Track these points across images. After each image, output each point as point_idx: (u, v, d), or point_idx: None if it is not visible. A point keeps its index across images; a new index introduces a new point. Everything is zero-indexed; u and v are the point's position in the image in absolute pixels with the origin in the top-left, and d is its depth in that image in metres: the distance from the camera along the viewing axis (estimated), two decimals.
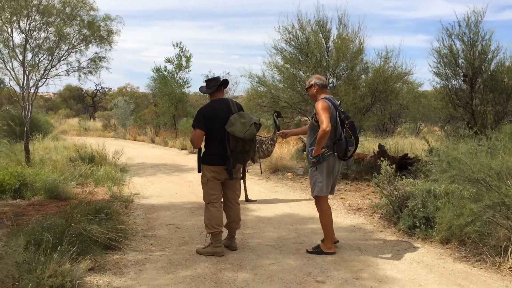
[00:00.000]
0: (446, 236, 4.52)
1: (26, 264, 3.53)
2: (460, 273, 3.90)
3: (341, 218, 5.94)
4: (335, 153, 4.38)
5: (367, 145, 11.83)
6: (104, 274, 3.88)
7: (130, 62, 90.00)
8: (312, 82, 4.59)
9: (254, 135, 4.37)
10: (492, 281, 3.72)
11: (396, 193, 5.34)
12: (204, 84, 4.67)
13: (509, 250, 3.93)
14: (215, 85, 4.56)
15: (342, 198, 7.11)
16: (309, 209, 6.43)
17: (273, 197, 7.19)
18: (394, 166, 5.54)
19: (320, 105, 4.33)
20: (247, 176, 7.13)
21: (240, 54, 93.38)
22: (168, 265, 4.14)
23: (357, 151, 11.02)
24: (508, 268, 3.86)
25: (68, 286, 3.42)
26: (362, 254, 4.48)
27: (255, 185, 8.32)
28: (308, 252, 4.51)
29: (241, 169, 5.15)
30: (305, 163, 9.97)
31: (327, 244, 4.51)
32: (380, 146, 9.20)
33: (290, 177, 9.12)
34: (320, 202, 4.54)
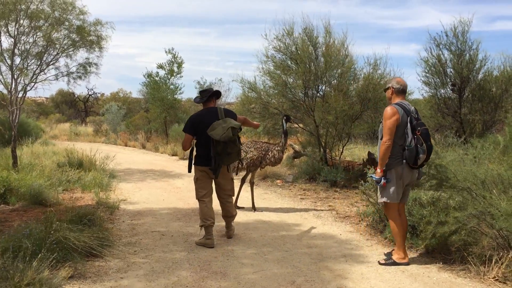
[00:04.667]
0: (431, 244, 4.50)
1: (4, 271, 3.45)
2: (444, 283, 3.88)
3: (328, 226, 5.91)
4: (404, 160, 4.24)
5: (357, 152, 11.84)
6: (84, 282, 3.81)
7: (125, 68, 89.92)
8: (389, 85, 4.47)
9: (229, 137, 4.80)
10: None
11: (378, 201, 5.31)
12: (199, 95, 5.30)
13: (494, 260, 3.92)
14: (206, 95, 5.16)
15: (330, 205, 7.09)
16: (297, 217, 6.40)
17: (261, 204, 7.14)
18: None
19: (387, 112, 4.23)
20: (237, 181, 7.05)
21: (235, 61, 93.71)
22: (150, 273, 4.08)
23: (347, 158, 11.08)
24: (493, 278, 3.85)
25: None
26: (348, 262, 4.44)
27: (244, 192, 8.24)
28: (380, 264, 4.35)
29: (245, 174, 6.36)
30: (294, 170, 9.96)
31: (400, 254, 4.34)
32: (369, 153, 9.22)
33: (279, 184, 9.09)
34: (390, 209, 4.37)
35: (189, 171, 5.07)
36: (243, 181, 7.01)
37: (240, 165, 6.77)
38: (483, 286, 3.78)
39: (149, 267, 4.22)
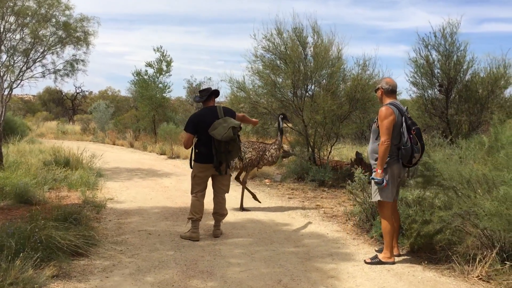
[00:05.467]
0: (416, 243, 4.54)
1: None
2: (429, 281, 3.92)
3: (316, 225, 5.92)
4: (400, 160, 4.28)
5: (345, 152, 11.90)
6: (69, 281, 3.77)
7: (114, 66, 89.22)
8: (379, 86, 4.49)
9: (231, 137, 4.98)
10: None
11: (369, 200, 5.35)
12: (198, 94, 5.42)
13: (478, 259, 3.96)
14: (206, 95, 5.28)
15: (317, 205, 7.11)
16: (284, 216, 6.41)
17: (249, 203, 7.13)
18: (368, 173, 5.55)
19: (383, 112, 4.23)
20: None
21: (225, 60, 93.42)
22: (136, 272, 4.05)
23: (335, 158, 11.13)
24: (476, 277, 3.89)
25: None
26: (334, 261, 4.46)
27: (232, 191, 8.23)
28: (366, 263, 4.36)
29: (243, 174, 6.71)
30: (283, 170, 9.97)
31: (387, 253, 4.35)
32: (357, 153, 9.27)
33: (268, 183, 9.10)
34: (385, 208, 4.37)
35: (191, 167, 5.26)
36: (243, 182, 6.97)
37: (240, 164, 6.78)
38: (467, 285, 3.82)
39: (135, 266, 4.19)
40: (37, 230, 4.14)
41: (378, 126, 4.31)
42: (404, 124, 4.25)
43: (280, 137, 6.84)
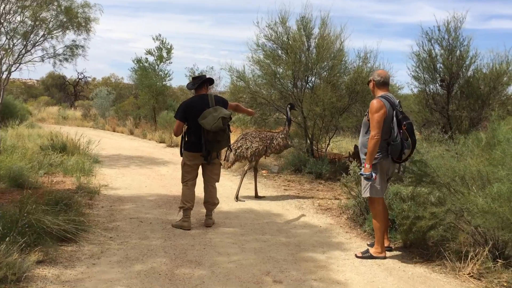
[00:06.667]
0: (409, 239, 4.49)
1: None
2: (419, 277, 3.87)
3: (309, 217, 5.88)
4: (389, 155, 4.18)
5: (345, 145, 11.83)
6: (55, 267, 3.74)
7: (117, 53, 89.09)
8: (370, 77, 4.40)
9: (220, 128, 4.88)
10: (450, 286, 3.69)
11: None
12: (191, 81, 5.34)
13: (470, 256, 3.90)
14: (198, 82, 5.18)
15: (312, 197, 7.06)
16: (279, 207, 6.36)
17: (245, 194, 7.09)
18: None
19: (374, 105, 4.13)
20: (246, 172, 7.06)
21: (229, 50, 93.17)
22: (124, 260, 4.01)
23: (334, 151, 11.07)
24: (468, 274, 3.83)
25: (12, 278, 3.27)
26: (325, 254, 4.42)
27: (228, 181, 8.23)
28: (357, 257, 4.31)
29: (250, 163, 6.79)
30: (281, 161, 9.91)
31: (378, 248, 4.29)
32: (355, 147, 9.19)
33: (264, 174, 9.04)
34: (375, 204, 4.31)
35: (182, 155, 5.22)
36: (255, 170, 7.08)
37: (233, 156, 6.77)
38: (458, 282, 3.77)
39: (123, 254, 4.16)
40: (25, 214, 4.10)
41: (368, 120, 4.22)
42: (395, 118, 4.14)
43: (288, 126, 6.87)
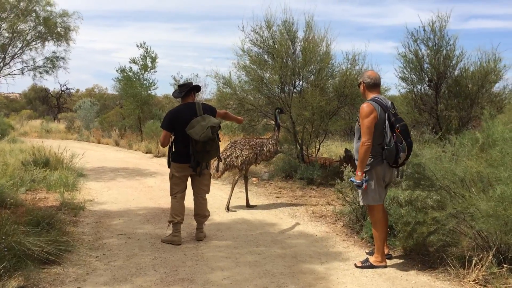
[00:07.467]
0: (409, 245, 4.33)
1: None
2: (423, 286, 3.70)
3: (304, 226, 5.69)
4: (384, 160, 4.00)
5: (334, 149, 11.69)
6: None
7: (101, 63, 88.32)
8: (360, 80, 4.22)
9: (209, 137, 4.69)
10: None
11: (358, 201, 5.13)
12: (177, 89, 5.11)
13: (473, 261, 3.75)
14: (185, 90, 4.97)
15: (306, 204, 6.88)
16: (271, 216, 6.17)
17: (236, 203, 6.89)
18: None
19: (364, 110, 3.93)
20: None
21: (214, 57, 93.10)
22: (111, 281, 3.77)
23: (324, 155, 10.92)
24: (473, 281, 3.68)
25: None
26: (323, 265, 4.23)
27: (218, 190, 8.01)
28: (357, 266, 4.12)
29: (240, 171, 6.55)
30: (270, 168, 9.74)
31: (378, 257, 4.12)
32: (346, 151, 9.07)
33: (255, 182, 8.85)
34: (374, 211, 4.13)
35: (169, 166, 5.00)
36: (246, 178, 6.90)
37: (222, 166, 6.56)
38: None
39: (110, 274, 3.92)
40: (4, 236, 3.84)
41: (360, 125, 4.06)
42: (387, 122, 3.95)
43: (277, 131, 6.70)
